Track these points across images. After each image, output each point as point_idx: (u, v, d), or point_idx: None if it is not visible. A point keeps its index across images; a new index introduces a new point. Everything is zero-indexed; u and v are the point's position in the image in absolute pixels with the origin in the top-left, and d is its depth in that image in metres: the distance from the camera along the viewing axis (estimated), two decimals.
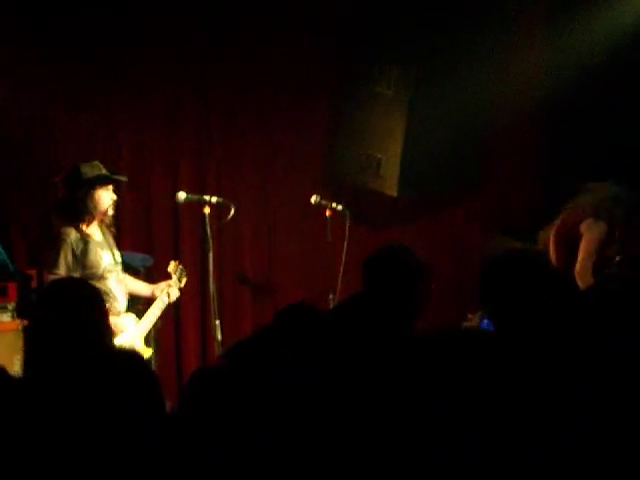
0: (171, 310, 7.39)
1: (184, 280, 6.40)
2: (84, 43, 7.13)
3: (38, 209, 6.86)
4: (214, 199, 6.40)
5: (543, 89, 7.66)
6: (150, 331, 6.26)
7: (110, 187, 6.01)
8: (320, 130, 7.76)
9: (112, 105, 7.37)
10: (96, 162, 6.05)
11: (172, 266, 6.38)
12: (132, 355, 3.07)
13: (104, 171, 6.03)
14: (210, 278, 6.43)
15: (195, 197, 6.47)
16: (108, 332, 3.62)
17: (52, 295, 3.69)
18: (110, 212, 6.02)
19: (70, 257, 5.79)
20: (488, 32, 7.39)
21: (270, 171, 7.76)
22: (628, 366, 2.94)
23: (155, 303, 6.23)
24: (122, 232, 7.33)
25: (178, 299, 6.43)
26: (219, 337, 6.25)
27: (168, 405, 5.09)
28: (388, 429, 2.61)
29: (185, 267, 6.52)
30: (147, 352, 6.19)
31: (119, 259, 6.12)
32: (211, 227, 6.35)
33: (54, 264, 5.76)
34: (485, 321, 5.23)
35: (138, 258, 6.82)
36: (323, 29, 7.62)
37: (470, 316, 5.90)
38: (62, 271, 5.74)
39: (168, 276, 6.42)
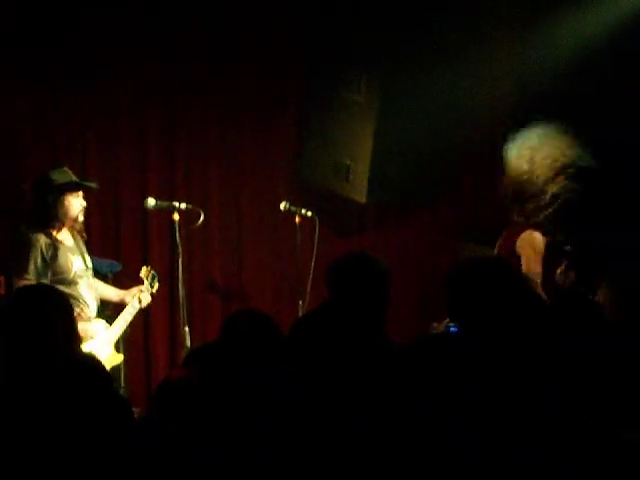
0: (140, 316, 7.36)
1: (156, 285, 6.39)
2: (48, 51, 7.09)
3: (5, 217, 6.82)
4: (183, 205, 6.40)
5: (514, 95, 7.69)
6: (120, 337, 6.24)
7: (80, 193, 6.00)
8: (289, 136, 7.76)
9: (79, 110, 7.32)
10: (65, 168, 6.05)
11: (144, 271, 6.37)
12: (93, 363, 3.07)
13: (73, 177, 6.03)
14: (179, 284, 6.43)
15: (164, 203, 6.47)
16: (75, 338, 3.61)
17: (19, 301, 3.68)
18: (80, 218, 6.01)
19: (40, 262, 5.78)
20: (459, 38, 7.41)
21: (239, 177, 7.75)
22: (592, 365, 2.98)
23: (126, 309, 6.22)
24: (91, 238, 7.30)
25: (149, 305, 6.41)
26: (188, 344, 6.24)
27: (137, 411, 5.06)
28: (368, 434, 2.63)
29: (154, 271, 6.50)
30: (118, 358, 6.17)
31: (90, 264, 6.11)
32: (180, 233, 6.35)
33: (24, 270, 5.74)
34: (450, 329, 5.24)
35: (106, 264, 6.79)
36: (291, 34, 7.62)
37: (435, 324, 5.88)
38: (32, 276, 5.73)
39: (137, 282, 6.40)
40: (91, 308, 6.02)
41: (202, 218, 6.39)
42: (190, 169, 7.62)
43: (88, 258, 6.11)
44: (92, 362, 3.12)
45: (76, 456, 2.80)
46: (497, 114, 7.74)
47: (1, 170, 7.06)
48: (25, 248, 5.80)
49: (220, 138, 7.68)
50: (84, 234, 6.15)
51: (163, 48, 7.44)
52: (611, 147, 7.06)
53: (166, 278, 7.21)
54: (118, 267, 7.00)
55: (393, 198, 7.63)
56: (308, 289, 6.80)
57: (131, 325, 6.43)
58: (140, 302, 6.24)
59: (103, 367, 3.15)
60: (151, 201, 6.41)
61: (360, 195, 7.37)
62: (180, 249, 6.38)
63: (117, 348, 6.21)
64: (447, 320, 5.29)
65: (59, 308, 3.61)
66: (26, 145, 7.12)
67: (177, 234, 6.30)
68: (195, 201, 6.67)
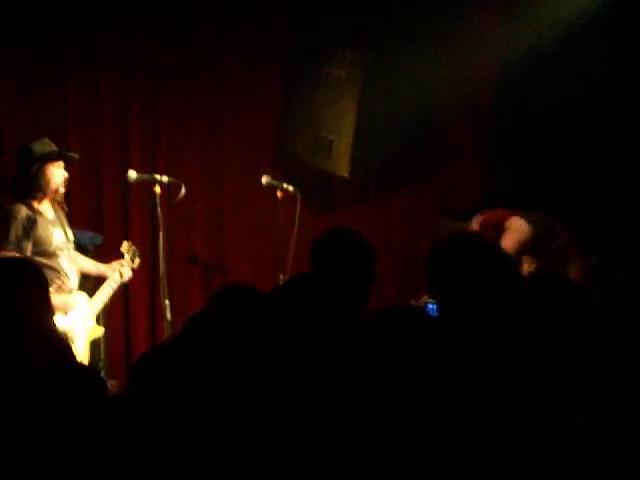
0: (120, 290, 7.36)
1: (137, 260, 6.37)
2: (30, 23, 7.04)
3: None
4: (165, 178, 6.37)
5: (495, 73, 7.71)
6: (100, 310, 6.23)
7: (61, 164, 5.98)
8: (272, 111, 7.75)
9: (61, 83, 7.29)
10: (46, 139, 6.02)
11: (125, 246, 6.35)
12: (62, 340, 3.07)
13: (54, 147, 6.00)
14: (160, 258, 6.41)
15: (146, 176, 6.44)
16: (48, 311, 3.59)
17: None
18: (61, 190, 5.99)
19: (20, 233, 5.76)
20: (442, 14, 7.41)
21: (221, 151, 7.74)
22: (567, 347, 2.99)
23: (107, 282, 6.21)
24: (72, 210, 7.28)
25: (129, 279, 6.40)
26: (169, 317, 6.23)
27: (115, 384, 5.08)
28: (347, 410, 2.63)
29: (135, 246, 6.48)
30: (99, 331, 6.17)
31: (71, 237, 6.09)
32: (161, 206, 6.33)
33: (3, 240, 5.73)
34: (429, 306, 5.26)
35: (87, 236, 6.78)
36: (275, 9, 7.60)
37: (413, 302, 5.90)
38: (11, 247, 5.71)
39: (118, 255, 6.39)
40: (72, 281, 6.01)
41: (183, 191, 6.37)
42: (172, 142, 7.60)
43: (69, 231, 6.09)
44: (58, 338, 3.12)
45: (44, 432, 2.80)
46: (479, 91, 7.76)
47: None
48: (5, 219, 5.78)
49: (203, 112, 7.67)
50: (65, 206, 6.12)
51: (145, 21, 7.40)
52: (595, 124, 7.12)
53: (147, 251, 7.20)
54: (99, 239, 6.99)
55: (375, 173, 7.64)
56: (289, 263, 6.80)
57: (111, 298, 6.43)
58: (121, 276, 6.23)
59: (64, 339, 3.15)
60: (132, 174, 6.38)
61: (342, 170, 7.37)
62: (161, 222, 6.35)
63: (98, 321, 6.21)
64: (425, 297, 5.32)
65: (31, 280, 3.58)
66: (7, 118, 7.08)
67: (158, 207, 6.28)
68: (177, 174, 6.64)
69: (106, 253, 6.99)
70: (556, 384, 2.88)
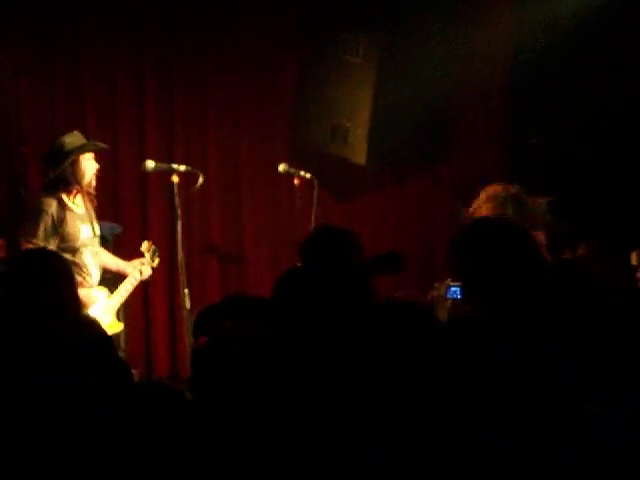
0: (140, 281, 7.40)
1: (157, 260, 6.36)
2: (48, 11, 7.07)
3: (4, 179, 6.81)
4: (182, 167, 6.38)
5: (510, 58, 7.69)
6: (120, 306, 6.24)
7: (92, 155, 5.98)
8: (288, 98, 7.75)
9: (77, 74, 7.32)
10: (77, 132, 6.02)
11: (145, 245, 6.33)
12: (94, 325, 3.10)
13: (84, 140, 6.00)
14: (178, 247, 6.43)
15: (164, 165, 6.45)
16: (78, 303, 3.63)
17: (23, 264, 3.68)
18: (93, 182, 5.99)
19: (49, 228, 5.74)
20: (457, 1, 7.41)
21: (238, 140, 7.75)
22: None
23: (127, 279, 6.19)
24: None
25: (149, 277, 6.39)
26: (188, 306, 6.25)
27: (136, 373, 5.10)
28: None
29: (153, 236, 6.49)
30: (118, 326, 6.18)
31: (98, 232, 6.09)
32: (179, 196, 6.34)
33: (32, 233, 5.71)
34: (451, 290, 5.25)
35: (106, 227, 6.80)
36: None
37: (437, 285, 5.89)
38: (40, 241, 5.69)
39: (135, 244, 6.40)
40: (93, 276, 5.99)
41: (201, 180, 6.38)
42: (189, 132, 7.62)
43: (97, 225, 6.09)
44: (94, 324, 3.15)
45: (79, 413, 2.83)
46: (495, 75, 7.75)
47: (1, 135, 7.04)
48: (36, 212, 5.78)
49: (218, 101, 7.67)
50: (95, 200, 6.11)
51: (160, 11, 7.42)
52: (607, 113, 7.10)
53: (165, 240, 7.23)
54: (118, 230, 7.01)
55: (391, 160, 7.63)
56: None
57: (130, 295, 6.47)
58: (141, 274, 6.23)
59: (104, 330, 3.17)
60: (150, 163, 6.39)
61: (359, 157, 7.37)
62: (179, 211, 6.37)
63: (118, 317, 6.22)
64: (448, 280, 5.30)
65: (61, 272, 3.62)
66: (25, 109, 7.11)
67: (176, 196, 6.29)
68: (194, 164, 6.66)
69: (125, 243, 7.03)
70: (565, 375, 2.88)
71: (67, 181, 5.86)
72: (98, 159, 6.03)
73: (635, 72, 7.02)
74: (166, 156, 7.16)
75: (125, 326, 6.44)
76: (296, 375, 2.77)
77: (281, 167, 6.88)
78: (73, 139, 5.93)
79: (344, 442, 2.55)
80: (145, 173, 6.77)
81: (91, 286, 5.96)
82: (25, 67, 7.07)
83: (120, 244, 6.90)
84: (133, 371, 6.15)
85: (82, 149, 5.91)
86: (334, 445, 2.55)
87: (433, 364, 2.65)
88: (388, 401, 2.60)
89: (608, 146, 7.16)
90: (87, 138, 6.15)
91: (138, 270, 6.21)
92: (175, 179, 6.34)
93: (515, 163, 7.83)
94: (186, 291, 6.29)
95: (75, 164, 5.87)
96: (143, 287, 7.42)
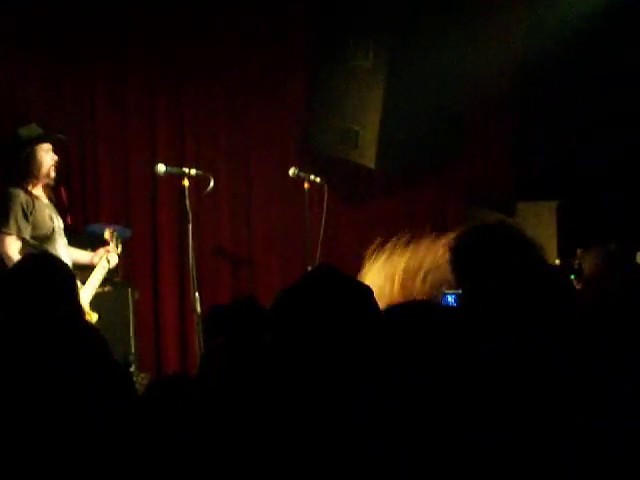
0: (149, 282, 7.41)
1: (120, 247, 6.34)
2: (59, 20, 7.10)
3: None
4: (193, 171, 6.37)
5: (519, 61, 7.70)
6: (92, 297, 6.19)
7: (50, 147, 5.96)
8: (297, 103, 7.76)
9: (88, 77, 7.33)
10: (33, 124, 6.04)
11: (107, 233, 6.32)
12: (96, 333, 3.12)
13: (41, 131, 5.99)
14: (189, 250, 6.43)
15: (175, 169, 6.44)
16: (79, 309, 3.62)
17: (26, 271, 3.63)
18: (52, 173, 5.94)
19: (20, 217, 5.73)
20: (466, 5, 7.41)
21: (248, 144, 7.77)
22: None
23: (97, 269, 6.13)
24: (101, 204, 7.35)
25: (116, 264, 6.33)
26: (198, 309, 6.26)
27: (146, 377, 5.11)
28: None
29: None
30: (93, 317, 6.13)
31: (62, 225, 6.09)
32: (190, 199, 6.35)
33: (4, 223, 5.71)
34: (447, 298, 5.24)
35: (117, 230, 6.81)
36: (299, 1, 7.63)
37: (435, 293, 5.89)
38: (13, 230, 5.68)
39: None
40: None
41: (212, 184, 6.38)
42: (199, 135, 7.64)
43: (60, 219, 6.09)
44: (95, 332, 3.16)
45: (83, 422, 2.85)
46: (504, 79, 7.75)
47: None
48: (5, 202, 5.76)
49: (229, 105, 7.70)
50: (52, 194, 6.06)
51: (171, 15, 7.44)
52: (617, 103, 7.10)
53: (175, 244, 7.25)
54: (128, 233, 7.01)
55: (401, 164, 7.64)
56: (317, 255, 6.83)
57: (138, 290, 6.49)
58: (108, 262, 6.22)
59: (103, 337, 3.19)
60: (161, 167, 6.39)
61: (369, 161, 7.38)
62: (190, 215, 6.37)
63: (91, 307, 6.17)
64: (443, 289, 5.30)
65: (65, 278, 3.60)
66: (35, 112, 7.12)
67: (187, 200, 6.29)
68: (204, 167, 6.67)
69: (135, 246, 7.05)
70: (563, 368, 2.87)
71: (24, 172, 5.85)
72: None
73: None
74: (177, 160, 7.17)
75: (135, 330, 6.46)
76: (300, 373, 2.78)
77: (291, 171, 6.89)
78: (28, 130, 5.93)
79: (348, 437, 2.56)
80: (156, 177, 6.78)
81: None
82: (34, 72, 7.09)
83: (131, 248, 6.91)
84: (142, 374, 6.19)
85: (36, 140, 5.89)
86: (337, 439, 2.56)
87: (437, 360, 2.66)
88: (392, 393, 2.60)
89: (618, 152, 7.16)
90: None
91: (106, 259, 6.18)
92: (186, 183, 6.33)
93: (524, 166, 7.84)
94: (196, 295, 6.30)
95: (31, 155, 5.86)
96: (154, 291, 7.45)
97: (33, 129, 5.97)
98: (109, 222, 6.86)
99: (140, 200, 7.52)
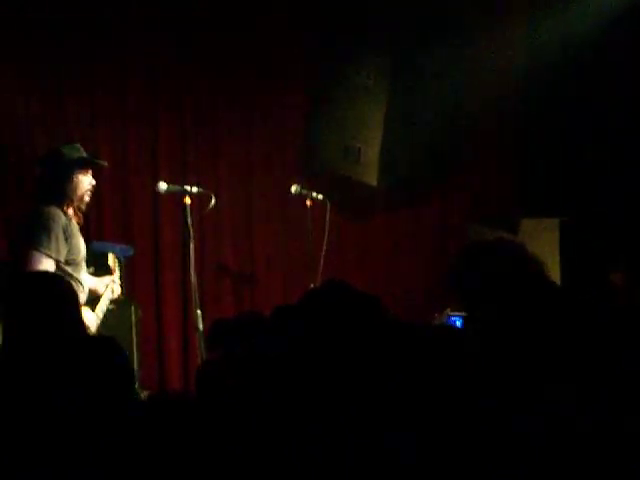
0: (152, 300, 7.41)
1: (121, 268, 6.25)
2: (58, 29, 7.09)
3: (23, 198, 6.75)
4: (195, 189, 6.36)
5: (522, 79, 7.71)
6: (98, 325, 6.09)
7: (89, 172, 5.79)
8: (300, 120, 7.78)
9: (89, 93, 7.34)
10: (77, 144, 5.89)
11: (111, 260, 6.22)
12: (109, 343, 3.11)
13: (84, 154, 5.88)
14: (191, 268, 6.41)
15: (176, 187, 6.42)
16: (81, 325, 3.62)
17: (25, 288, 3.62)
18: (87, 198, 5.76)
19: (61, 238, 5.51)
20: (467, 21, 7.43)
21: (250, 161, 7.78)
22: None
23: (102, 300, 5.96)
24: (103, 222, 7.34)
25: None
26: (200, 327, 6.25)
27: (146, 394, 5.08)
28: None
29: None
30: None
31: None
32: (192, 217, 6.35)
33: (44, 243, 5.45)
34: (452, 319, 5.25)
35: (118, 249, 6.80)
36: (301, 18, 7.64)
37: (437, 315, 5.88)
38: (52, 252, 5.44)
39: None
40: (86, 294, 5.83)
41: (213, 202, 6.38)
42: (201, 153, 7.64)
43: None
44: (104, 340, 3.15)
45: (87, 438, 2.85)
46: (507, 96, 7.77)
47: (13, 153, 7.06)
48: (44, 221, 5.51)
49: (231, 121, 7.70)
50: (81, 218, 5.83)
51: (173, 29, 7.45)
52: (619, 121, 7.10)
53: (178, 262, 7.25)
54: (131, 252, 7.00)
55: (403, 180, 7.65)
56: (320, 272, 6.83)
57: (142, 308, 6.49)
58: (112, 293, 6.10)
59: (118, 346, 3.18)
60: (163, 185, 6.37)
61: (371, 178, 7.39)
62: (192, 233, 6.37)
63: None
64: (448, 309, 5.30)
65: (65, 296, 3.59)
66: (36, 130, 7.12)
67: (188, 218, 6.29)
68: (206, 185, 6.67)
69: (137, 265, 7.05)
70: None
71: (61, 192, 5.66)
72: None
73: None
74: (178, 178, 7.16)
75: (138, 347, 6.45)
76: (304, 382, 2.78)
77: (293, 188, 6.90)
78: (71, 151, 5.76)
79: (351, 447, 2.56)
80: (157, 195, 6.77)
81: (84, 303, 5.73)
82: (36, 88, 7.09)
83: (132, 266, 6.91)
84: (145, 392, 6.15)
85: (78, 164, 5.71)
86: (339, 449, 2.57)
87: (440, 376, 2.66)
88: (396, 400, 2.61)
89: (622, 169, 7.16)
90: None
91: (110, 289, 6.07)
92: (187, 201, 6.32)
93: (527, 183, 7.84)
94: (199, 312, 6.29)
95: (69, 177, 5.66)
96: (156, 308, 7.45)
97: (76, 150, 5.78)
98: (111, 241, 6.86)
99: (142, 218, 7.51)
